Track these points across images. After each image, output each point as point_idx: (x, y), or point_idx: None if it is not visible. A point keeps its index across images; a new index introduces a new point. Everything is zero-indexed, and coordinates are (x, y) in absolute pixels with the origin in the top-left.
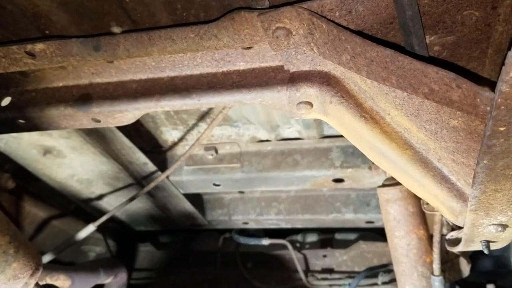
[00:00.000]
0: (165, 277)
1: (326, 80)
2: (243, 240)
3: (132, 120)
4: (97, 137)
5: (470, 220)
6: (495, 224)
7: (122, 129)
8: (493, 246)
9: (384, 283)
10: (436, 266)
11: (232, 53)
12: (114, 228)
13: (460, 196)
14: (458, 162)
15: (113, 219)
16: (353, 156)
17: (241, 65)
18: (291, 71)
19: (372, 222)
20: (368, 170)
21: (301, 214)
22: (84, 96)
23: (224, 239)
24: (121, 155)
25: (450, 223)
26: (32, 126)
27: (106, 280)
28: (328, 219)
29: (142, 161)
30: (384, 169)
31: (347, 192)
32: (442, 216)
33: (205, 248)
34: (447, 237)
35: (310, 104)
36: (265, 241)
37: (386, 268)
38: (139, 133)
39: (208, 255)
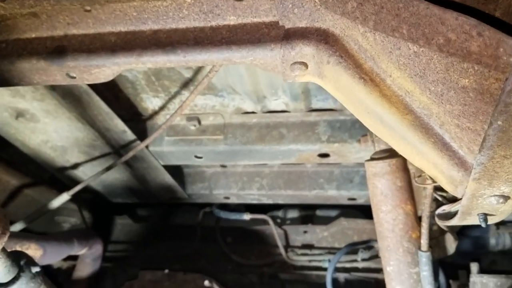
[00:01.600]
0: (143, 250)
1: (324, 38)
2: (224, 214)
3: (110, 77)
4: (72, 100)
5: (471, 191)
6: (497, 195)
7: (100, 93)
8: (491, 220)
9: (363, 259)
10: (424, 242)
11: (222, 4)
12: (89, 199)
13: (462, 164)
14: (463, 128)
15: (89, 190)
16: (340, 130)
17: (232, 20)
18: (286, 27)
19: (354, 199)
20: (355, 145)
21: (283, 189)
22: (59, 49)
23: (204, 213)
24: (98, 121)
25: (440, 199)
26: (1, 80)
27: (80, 251)
28: (310, 195)
29: (121, 128)
30: (381, 137)
31: (330, 168)
32: (433, 190)
33: (185, 222)
34: (438, 211)
35: (305, 65)
36: (246, 216)
37: (367, 244)
38: (117, 99)
39: (188, 229)
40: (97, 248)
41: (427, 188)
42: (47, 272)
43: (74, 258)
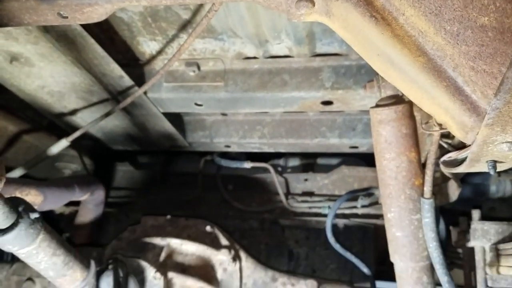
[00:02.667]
0: (144, 197)
1: None
2: (225, 163)
3: (104, 16)
4: (67, 43)
5: (482, 137)
6: (508, 142)
7: (95, 37)
8: (499, 167)
9: (363, 206)
10: (428, 189)
11: None
12: (90, 146)
13: (474, 109)
14: (478, 70)
15: (89, 137)
16: (345, 76)
17: None
18: None
19: (356, 147)
20: (359, 92)
21: (285, 138)
22: None
23: (205, 161)
24: (94, 65)
25: (446, 146)
26: None
27: (82, 197)
28: (312, 144)
29: (117, 73)
30: (391, 80)
31: (333, 116)
32: (439, 137)
33: (186, 170)
34: (443, 158)
35: (312, 2)
36: (247, 164)
37: (367, 192)
38: (113, 43)
39: (189, 177)
40: (99, 194)
41: (433, 135)
42: (49, 217)
43: (76, 204)
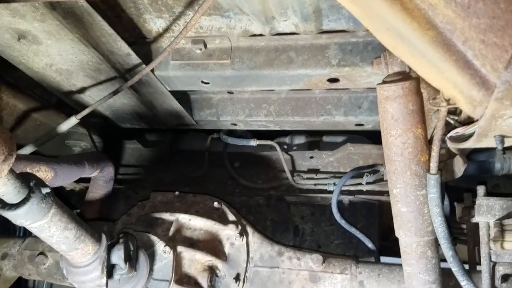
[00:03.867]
0: (153, 174)
1: None
2: (231, 140)
3: None
4: (74, 21)
5: (491, 111)
6: None
7: (101, 14)
8: (508, 142)
9: (368, 183)
10: (434, 164)
11: None
12: (99, 124)
13: (483, 84)
14: (489, 43)
15: (97, 115)
16: (352, 54)
17: None
18: None
19: (362, 125)
20: (366, 69)
21: (291, 116)
22: None
23: (212, 139)
24: (101, 43)
25: (452, 122)
26: None
27: (92, 173)
28: (318, 122)
29: (125, 51)
30: (399, 55)
31: (339, 94)
32: (446, 113)
33: (193, 148)
34: (450, 134)
35: None
36: (253, 142)
37: (373, 169)
38: (120, 20)
39: (196, 154)
40: (109, 171)
41: (440, 111)
42: (60, 194)
43: (87, 180)
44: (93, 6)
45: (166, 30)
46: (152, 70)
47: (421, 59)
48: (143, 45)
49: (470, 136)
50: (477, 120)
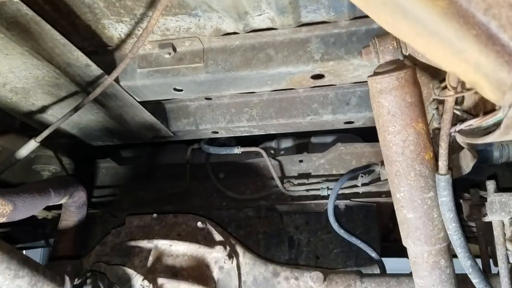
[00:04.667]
0: (131, 194)
1: None
2: (214, 150)
3: None
4: (20, 32)
5: None
6: None
7: (53, 23)
8: None
9: (364, 184)
10: (443, 163)
11: None
12: (67, 144)
13: None
14: None
15: (64, 135)
16: (335, 46)
17: None
18: None
19: (351, 122)
20: (352, 62)
21: (275, 118)
22: None
23: (193, 150)
24: (56, 55)
25: (460, 113)
26: None
27: (60, 200)
28: (304, 122)
29: (83, 62)
30: (402, 36)
31: (324, 92)
32: (454, 102)
33: (173, 161)
34: (460, 127)
35: None
36: (237, 150)
37: (368, 169)
38: (76, 28)
39: (177, 168)
40: (80, 195)
41: (447, 101)
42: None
43: (59, 207)
44: (42, 14)
45: (129, 35)
46: (118, 81)
47: (430, 38)
48: (105, 54)
49: (487, 128)
50: (496, 109)
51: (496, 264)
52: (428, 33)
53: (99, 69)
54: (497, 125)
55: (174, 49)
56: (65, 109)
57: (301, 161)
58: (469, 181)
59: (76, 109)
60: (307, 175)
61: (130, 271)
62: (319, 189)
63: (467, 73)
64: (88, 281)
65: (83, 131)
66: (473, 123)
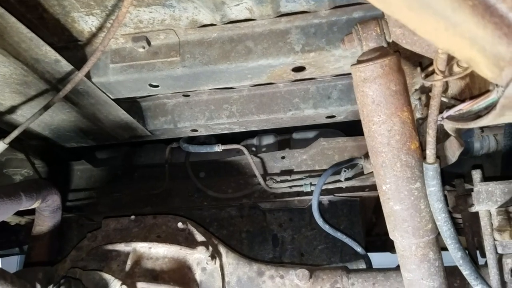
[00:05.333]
0: (107, 196)
1: None
2: (193, 148)
3: None
4: None
5: None
6: None
7: (19, 16)
8: None
9: (347, 179)
10: (431, 152)
11: None
12: (40, 146)
13: None
14: None
15: (36, 136)
16: (316, 37)
17: None
18: None
19: (333, 117)
20: (333, 53)
21: (256, 114)
22: None
23: (172, 149)
24: (22, 50)
25: (447, 100)
26: None
27: (32, 205)
28: (286, 118)
29: (52, 57)
30: (391, 12)
31: (305, 86)
32: (443, 88)
33: (151, 161)
34: (449, 113)
35: None
36: (218, 148)
37: (351, 163)
38: (44, 22)
39: (155, 168)
40: (54, 199)
41: (435, 86)
42: (6, 229)
43: (32, 212)
44: (6, 7)
45: (100, 28)
46: (89, 77)
47: (422, 11)
48: (76, 49)
49: (478, 112)
50: (489, 91)
51: (483, 255)
52: (420, 6)
53: (70, 64)
54: (489, 108)
55: (149, 43)
56: (35, 108)
57: (283, 157)
58: (449, 174)
59: (46, 107)
60: (289, 172)
61: (107, 276)
62: (302, 185)
63: (462, 49)
64: (62, 287)
65: (56, 132)
66: (464, 107)
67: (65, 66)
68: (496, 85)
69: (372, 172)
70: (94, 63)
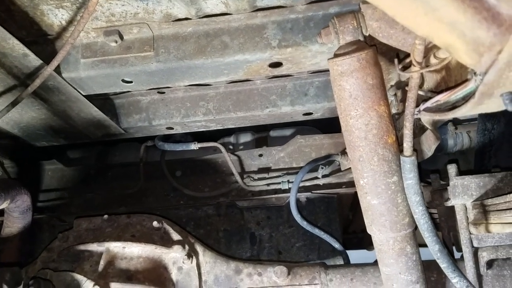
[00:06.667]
0: (80, 196)
1: None
2: (169, 146)
3: None
4: None
5: (507, 56)
6: None
7: None
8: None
9: (324, 176)
10: (408, 145)
11: None
12: (9, 146)
13: (493, 18)
14: None
15: (5, 135)
16: (293, 32)
17: None
18: None
19: (310, 114)
20: (310, 48)
21: (232, 112)
22: None
23: (147, 147)
24: None
25: (423, 93)
26: None
27: (1, 205)
28: (263, 115)
29: (20, 51)
30: None
31: (282, 83)
32: (420, 79)
33: (125, 160)
34: (426, 105)
35: None
36: (194, 146)
37: (328, 159)
38: (11, 15)
39: (129, 167)
40: (23, 199)
41: (413, 77)
42: None
43: (2, 213)
44: None
45: (70, 22)
46: (59, 72)
47: None
48: (45, 44)
49: (455, 103)
50: (468, 80)
51: (459, 250)
52: None
53: (38, 59)
54: (467, 97)
55: (121, 37)
56: (2, 105)
57: (260, 155)
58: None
59: (13, 103)
60: (267, 169)
61: (79, 277)
62: (279, 183)
63: (442, 35)
64: None
65: (25, 131)
66: (441, 98)
67: (34, 60)
68: (475, 73)
69: (349, 168)
70: (63, 56)
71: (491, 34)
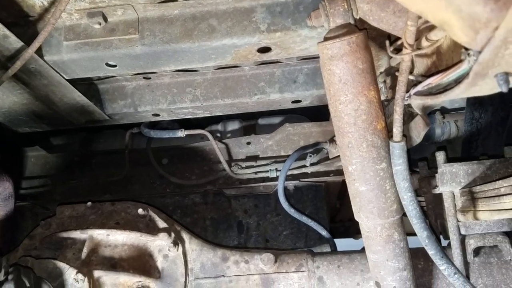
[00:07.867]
0: (64, 183)
1: None
2: (155, 134)
3: None
4: None
5: (504, 33)
6: None
7: None
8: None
9: (312, 164)
10: (397, 130)
11: None
12: None
13: None
14: None
15: None
16: (282, 16)
17: None
18: None
19: (299, 101)
20: (299, 33)
21: (220, 99)
22: None
23: (132, 134)
24: None
25: (413, 78)
26: None
27: None
28: (251, 102)
29: (0, 33)
30: None
31: (271, 69)
32: (411, 62)
33: (110, 147)
34: (417, 89)
35: None
36: (181, 133)
37: (316, 147)
38: None
39: (114, 154)
40: (5, 187)
41: (404, 60)
42: None
43: None
44: None
45: (52, 3)
46: (42, 55)
47: None
48: (27, 25)
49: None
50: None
51: (446, 238)
52: None
53: (19, 41)
54: (459, 80)
55: (105, 19)
56: None
57: (248, 143)
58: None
59: None
60: (255, 158)
61: (61, 265)
62: (267, 171)
63: (437, 10)
64: (10, 277)
65: (7, 116)
66: (433, 80)
67: (14, 42)
68: (468, 54)
69: (337, 156)
70: (45, 37)
71: (488, 9)
